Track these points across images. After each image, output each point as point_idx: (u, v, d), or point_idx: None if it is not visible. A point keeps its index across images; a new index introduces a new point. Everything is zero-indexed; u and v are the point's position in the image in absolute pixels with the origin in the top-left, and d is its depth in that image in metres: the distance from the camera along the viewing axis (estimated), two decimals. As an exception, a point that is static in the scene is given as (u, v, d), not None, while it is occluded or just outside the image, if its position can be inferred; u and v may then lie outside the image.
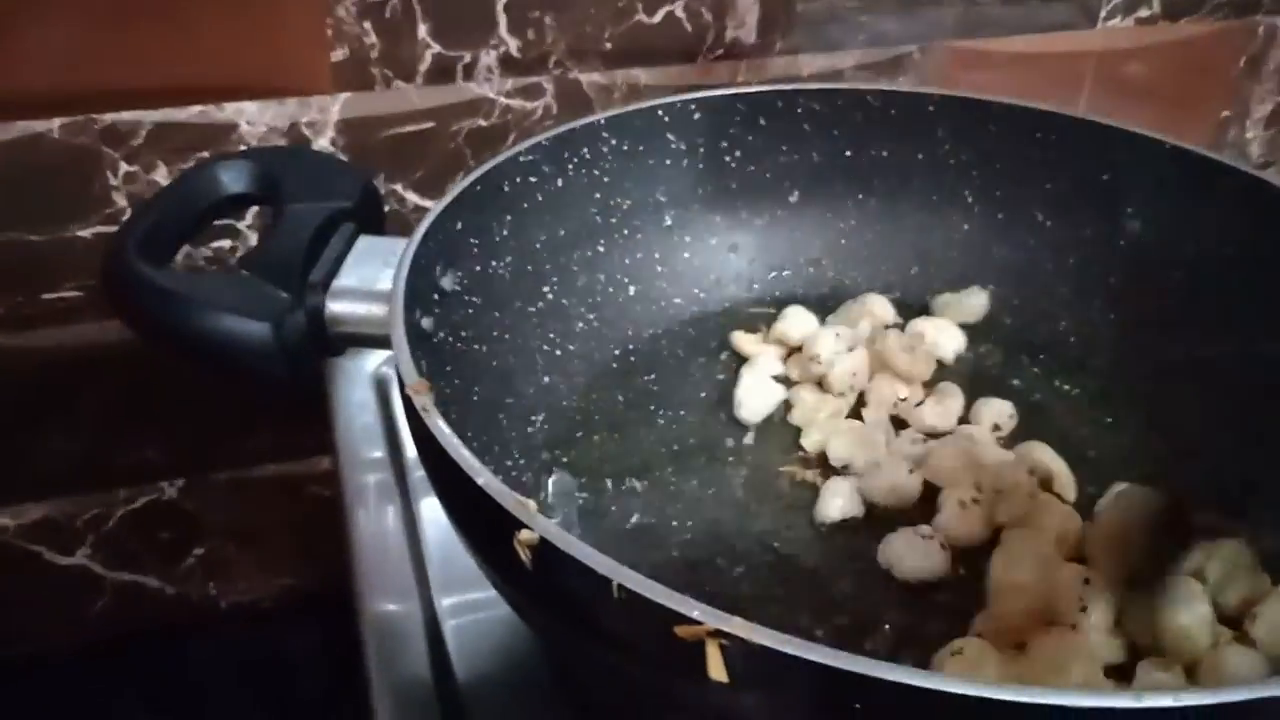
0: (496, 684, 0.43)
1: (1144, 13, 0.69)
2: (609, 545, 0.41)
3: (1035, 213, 0.52)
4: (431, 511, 0.48)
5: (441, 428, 0.32)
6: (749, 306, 0.54)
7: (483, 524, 0.31)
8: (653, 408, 0.48)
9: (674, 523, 0.43)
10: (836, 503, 0.43)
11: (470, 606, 0.44)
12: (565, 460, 0.45)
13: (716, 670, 0.26)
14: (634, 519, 0.43)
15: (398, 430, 0.52)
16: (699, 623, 0.26)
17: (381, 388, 0.55)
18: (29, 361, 0.60)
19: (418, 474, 0.49)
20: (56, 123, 0.54)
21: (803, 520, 0.43)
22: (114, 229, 0.57)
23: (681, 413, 0.48)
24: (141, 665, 0.72)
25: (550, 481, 0.44)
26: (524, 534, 0.29)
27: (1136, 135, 0.49)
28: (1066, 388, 0.49)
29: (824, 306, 0.53)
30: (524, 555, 0.29)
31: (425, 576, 0.46)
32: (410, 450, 0.51)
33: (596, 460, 0.46)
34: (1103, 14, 0.68)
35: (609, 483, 0.45)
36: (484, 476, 0.30)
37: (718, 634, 0.26)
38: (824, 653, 0.25)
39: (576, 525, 0.43)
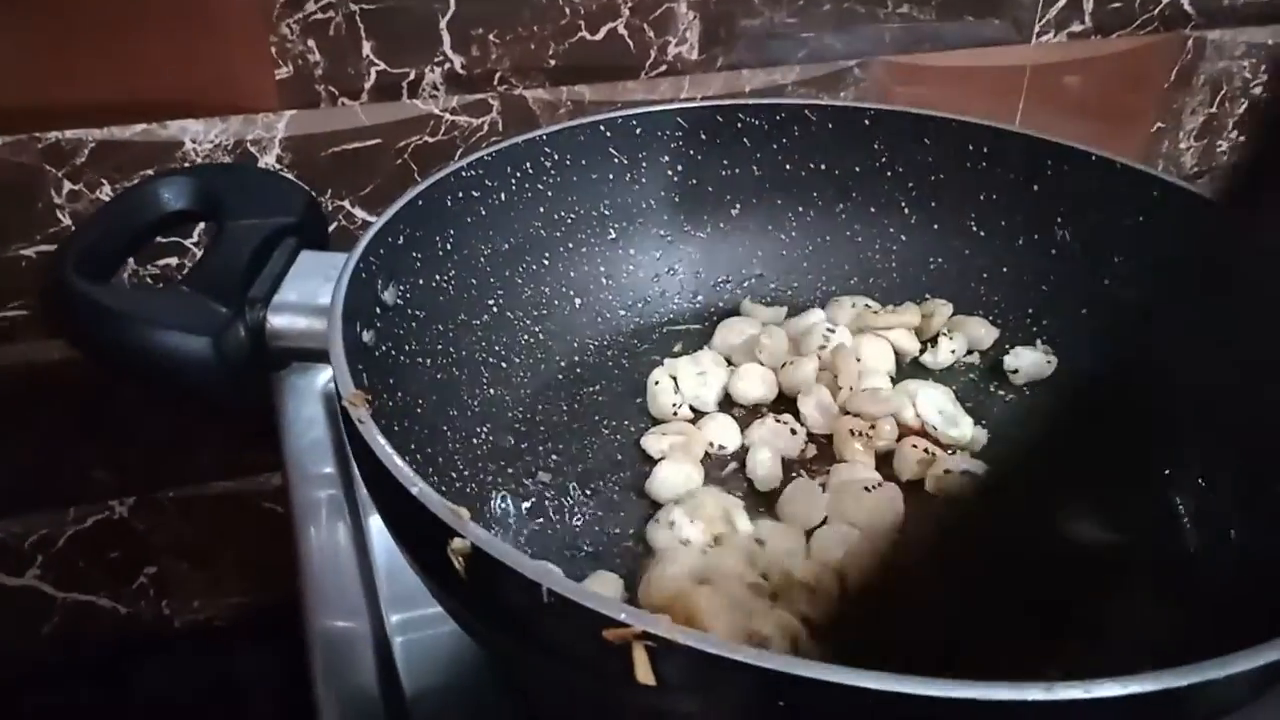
0: (445, 699, 0.43)
1: (1076, 27, 0.71)
2: (553, 556, 0.42)
3: (970, 223, 0.54)
4: (381, 527, 0.48)
5: (377, 438, 0.32)
6: (691, 319, 0.54)
7: (418, 533, 0.32)
8: (598, 418, 0.49)
9: (616, 530, 0.43)
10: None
11: (419, 622, 0.45)
12: (510, 472, 0.46)
13: (644, 673, 0.27)
14: (578, 529, 0.44)
15: (348, 446, 0.52)
16: (626, 625, 0.27)
17: (331, 403, 0.55)
18: (-27, 381, 0.60)
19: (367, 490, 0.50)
20: (-1, 141, 0.54)
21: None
22: (58, 247, 0.57)
23: (626, 423, 0.49)
24: (94, 685, 0.71)
25: (494, 495, 0.45)
26: (457, 542, 0.29)
27: (1066, 147, 0.51)
28: (1002, 393, 0.50)
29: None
30: (458, 563, 0.30)
31: (375, 592, 0.46)
32: (359, 465, 0.51)
33: (541, 471, 0.46)
34: (1036, 29, 0.70)
35: (554, 494, 0.45)
36: (418, 486, 0.31)
37: (644, 636, 0.26)
38: (749, 653, 0.26)
39: (523, 536, 0.43)
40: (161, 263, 0.60)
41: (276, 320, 0.42)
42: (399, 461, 0.31)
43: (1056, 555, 0.37)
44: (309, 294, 0.42)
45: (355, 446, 0.34)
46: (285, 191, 0.47)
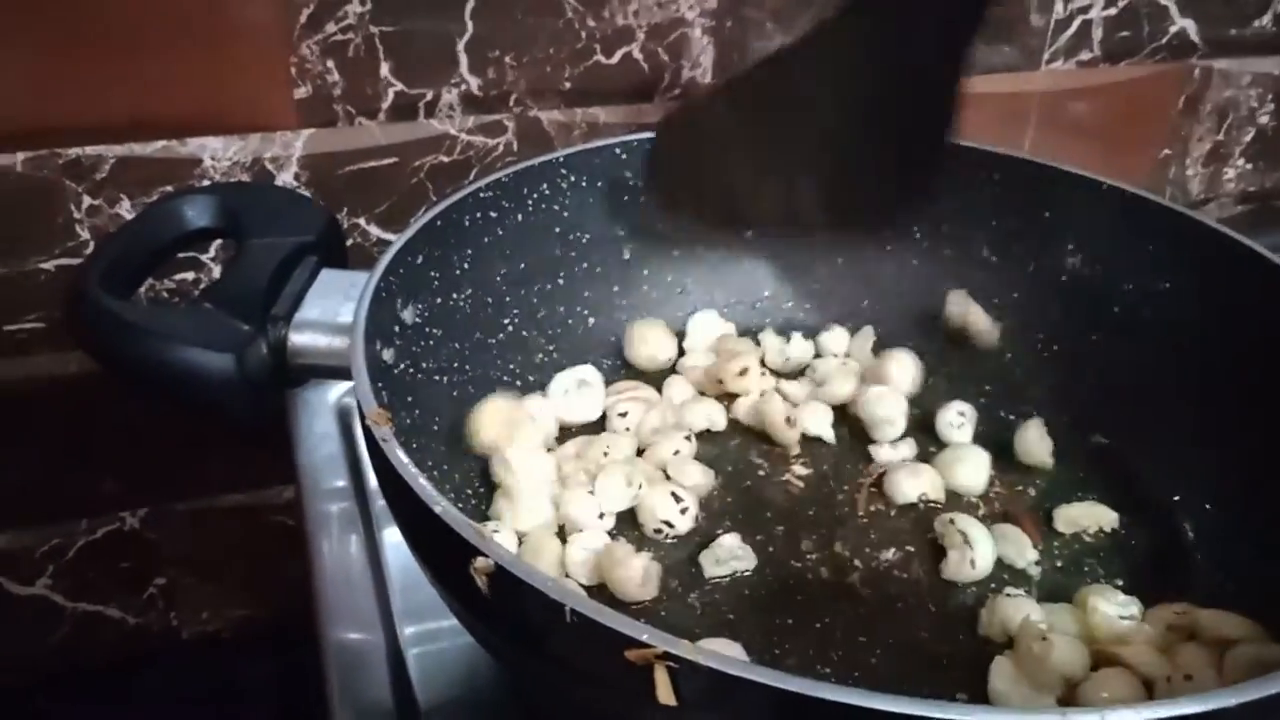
0: (459, 712, 0.43)
1: (1085, 55, 0.72)
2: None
3: (981, 249, 0.54)
4: (394, 540, 0.49)
5: (400, 457, 0.33)
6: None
7: (441, 551, 0.32)
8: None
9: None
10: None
11: (433, 635, 0.45)
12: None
13: (665, 694, 0.27)
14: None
15: (360, 460, 0.53)
16: (649, 646, 0.27)
17: (344, 418, 0.56)
18: (-11, 392, 0.60)
19: (380, 503, 0.50)
20: (20, 156, 0.55)
21: (762, 538, 0.44)
22: (76, 261, 0.58)
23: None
24: (102, 695, 0.71)
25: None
26: (480, 561, 0.30)
27: (1076, 175, 0.51)
28: (1011, 418, 0.51)
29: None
30: (480, 582, 0.30)
31: (388, 605, 0.46)
32: (373, 480, 0.51)
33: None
34: (1046, 56, 0.71)
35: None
36: (441, 505, 0.31)
37: (666, 657, 0.27)
38: (769, 674, 0.26)
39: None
40: (178, 278, 0.61)
41: (298, 338, 0.42)
42: (423, 481, 0.32)
43: None
44: (330, 312, 0.43)
45: (378, 465, 0.35)
46: (305, 210, 0.48)
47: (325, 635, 0.45)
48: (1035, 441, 0.48)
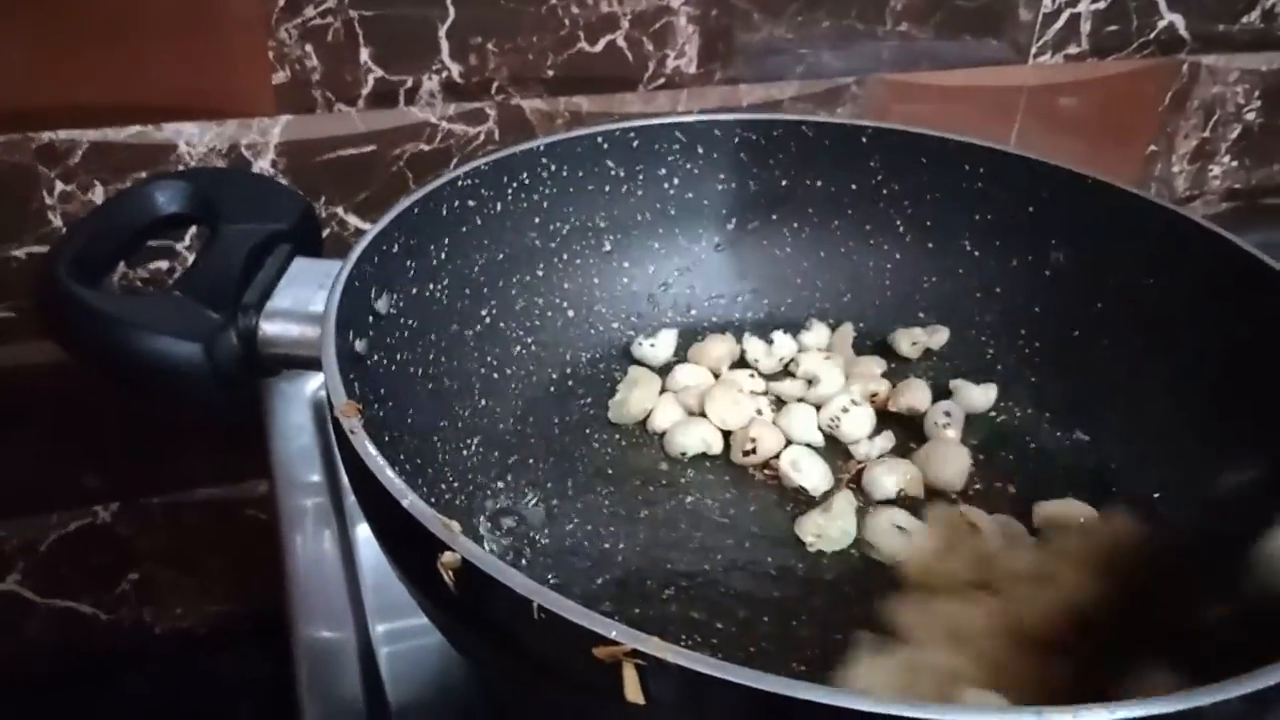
0: (430, 711, 0.43)
1: (1073, 49, 0.71)
2: (543, 569, 0.42)
3: (964, 243, 0.54)
4: (367, 536, 0.48)
5: (368, 449, 0.32)
6: (684, 333, 0.54)
7: (408, 546, 0.31)
8: (588, 431, 0.49)
9: (606, 545, 0.43)
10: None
11: (405, 633, 0.45)
12: (500, 484, 0.45)
13: (633, 692, 0.27)
14: (568, 542, 0.43)
15: (335, 454, 0.52)
16: (617, 643, 0.26)
17: (319, 411, 0.55)
18: (-42, 382, 0.59)
19: (354, 498, 0.49)
20: (-9, 140, 0.54)
21: (733, 542, 0.44)
22: (48, 249, 0.57)
23: (617, 437, 0.49)
24: (74, 692, 0.70)
25: (485, 507, 0.45)
26: (447, 556, 0.29)
27: (1061, 169, 0.51)
28: (990, 414, 0.50)
29: (759, 331, 0.54)
30: (448, 577, 0.29)
31: (360, 602, 0.45)
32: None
33: (532, 484, 0.46)
34: (1034, 50, 0.71)
35: (544, 506, 0.45)
36: (409, 498, 0.30)
37: (634, 654, 0.26)
38: (740, 673, 0.26)
39: (511, 550, 0.43)
40: (152, 266, 0.60)
41: (269, 327, 0.41)
42: (390, 474, 0.31)
43: None
44: (302, 301, 0.42)
45: (346, 457, 0.34)
46: (280, 196, 0.47)
47: (296, 632, 0.44)
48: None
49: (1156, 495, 0.46)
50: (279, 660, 0.45)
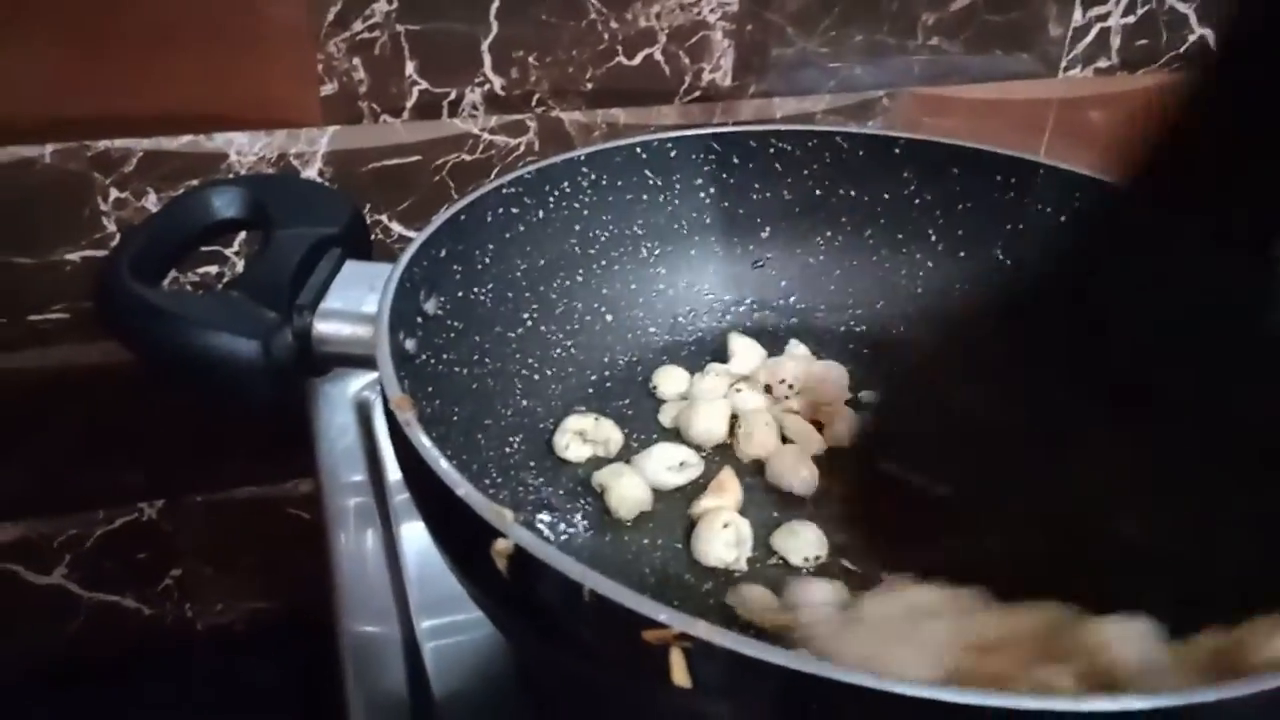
0: (474, 706, 0.43)
1: (1103, 63, 0.72)
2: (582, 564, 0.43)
3: (996, 252, 0.54)
4: (412, 534, 0.49)
5: (423, 441, 0.33)
6: (719, 338, 0.55)
7: (461, 534, 0.32)
8: (626, 431, 0.50)
9: (645, 541, 0.44)
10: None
11: (449, 629, 0.45)
12: (541, 480, 0.47)
13: (680, 675, 0.28)
14: (607, 540, 0.44)
15: (379, 454, 0.53)
16: (666, 626, 0.27)
17: (363, 411, 0.56)
18: (10, 382, 0.61)
19: (399, 497, 0.51)
20: (49, 148, 0.56)
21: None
22: (103, 253, 0.59)
23: (654, 437, 0.50)
24: (117, 685, 0.72)
25: (525, 504, 0.46)
26: (500, 543, 0.30)
27: (1096, 180, 0.51)
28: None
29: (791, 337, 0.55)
30: (500, 564, 0.31)
31: (405, 599, 0.46)
32: (391, 474, 0.52)
33: (571, 481, 0.47)
34: (1063, 64, 0.71)
35: (583, 505, 0.46)
36: (463, 488, 0.31)
37: (682, 637, 0.27)
38: (785, 655, 0.27)
39: (553, 544, 0.44)
40: (201, 271, 0.62)
41: (323, 326, 0.43)
42: (445, 464, 0.32)
43: None
44: (354, 302, 0.43)
45: (400, 449, 0.35)
46: (331, 202, 0.48)
47: (342, 627, 0.45)
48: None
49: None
50: (313, 658, 0.46)
